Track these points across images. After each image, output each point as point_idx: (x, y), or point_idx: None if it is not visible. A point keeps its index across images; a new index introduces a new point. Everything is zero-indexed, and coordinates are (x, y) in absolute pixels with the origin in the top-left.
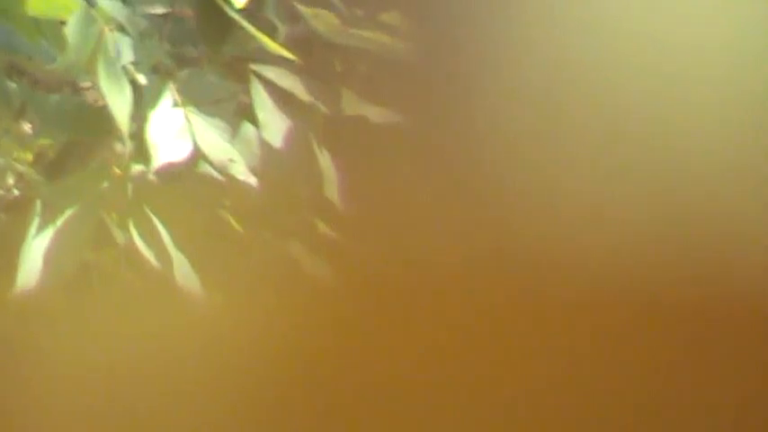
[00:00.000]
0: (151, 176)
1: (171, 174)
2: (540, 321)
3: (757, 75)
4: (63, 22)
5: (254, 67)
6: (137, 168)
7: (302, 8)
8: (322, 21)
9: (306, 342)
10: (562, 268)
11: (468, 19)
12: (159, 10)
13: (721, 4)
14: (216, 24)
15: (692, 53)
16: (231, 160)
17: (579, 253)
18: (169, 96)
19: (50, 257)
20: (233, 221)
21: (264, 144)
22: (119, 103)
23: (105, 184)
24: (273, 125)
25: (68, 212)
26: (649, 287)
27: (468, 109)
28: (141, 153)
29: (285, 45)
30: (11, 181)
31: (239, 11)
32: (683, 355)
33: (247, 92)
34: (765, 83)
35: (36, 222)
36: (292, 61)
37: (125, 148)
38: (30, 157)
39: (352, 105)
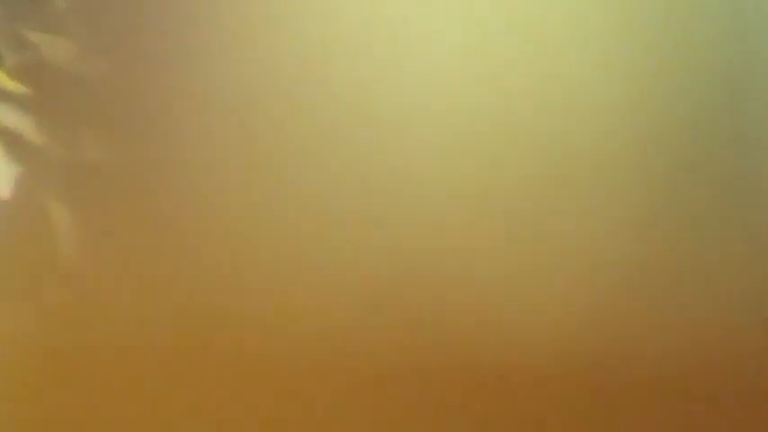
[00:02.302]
0: None
1: None
2: None
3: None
4: None
5: None
6: None
7: (32, 34)
8: (57, 48)
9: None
10: None
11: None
12: None
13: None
14: None
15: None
16: None
17: None
18: None
19: None
20: None
21: None
22: None
23: None
24: None
25: None
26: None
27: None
28: None
29: (12, 75)
30: None
31: None
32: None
33: None
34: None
35: None
36: (21, 95)
37: None
38: None
39: (93, 146)
